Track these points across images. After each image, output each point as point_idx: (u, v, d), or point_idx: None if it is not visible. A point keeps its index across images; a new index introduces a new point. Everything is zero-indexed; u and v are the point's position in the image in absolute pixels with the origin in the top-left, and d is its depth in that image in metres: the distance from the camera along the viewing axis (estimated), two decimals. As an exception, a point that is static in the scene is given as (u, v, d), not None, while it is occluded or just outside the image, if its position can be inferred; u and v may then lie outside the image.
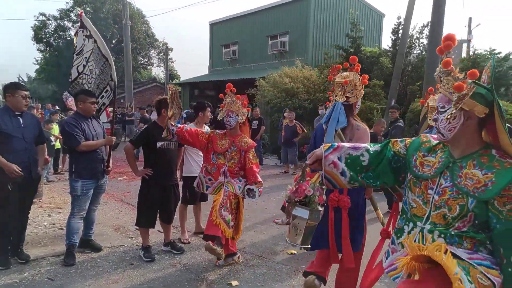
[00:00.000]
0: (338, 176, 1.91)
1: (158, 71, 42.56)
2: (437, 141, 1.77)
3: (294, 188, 1.89)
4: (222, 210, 3.69)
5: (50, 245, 4.54)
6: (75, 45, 4.74)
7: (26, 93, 3.95)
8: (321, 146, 1.99)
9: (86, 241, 4.37)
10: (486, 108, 1.52)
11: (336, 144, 1.96)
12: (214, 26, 23.29)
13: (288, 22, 18.41)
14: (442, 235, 1.60)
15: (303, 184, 1.88)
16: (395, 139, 1.95)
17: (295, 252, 4.49)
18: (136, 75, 32.24)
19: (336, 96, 3.13)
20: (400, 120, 8.05)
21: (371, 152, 1.91)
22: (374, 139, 6.43)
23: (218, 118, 3.95)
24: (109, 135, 4.32)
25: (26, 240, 4.59)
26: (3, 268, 3.80)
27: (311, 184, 1.87)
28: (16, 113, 3.89)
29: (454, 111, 1.55)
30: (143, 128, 4.27)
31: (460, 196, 1.56)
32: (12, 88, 3.93)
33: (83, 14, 4.79)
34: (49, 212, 5.87)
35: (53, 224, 5.22)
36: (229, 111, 3.88)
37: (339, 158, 1.91)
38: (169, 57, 31.65)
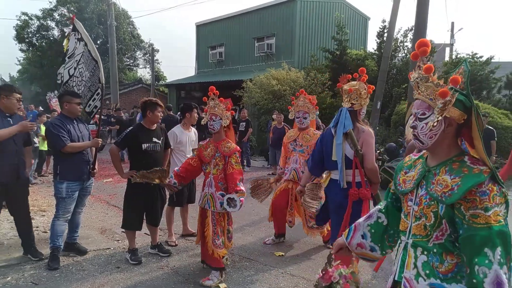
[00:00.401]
0: (369, 253, 1.91)
1: (144, 72, 42.26)
2: (417, 157, 1.77)
3: (321, 274, 1.90)
4: (216, 240, 3.68)
5: (34, 248, 4.45)
6: (66, 48, 4.69)
7: (20, 96, 3.97)
8: (342, 235, 2.01)
9: (71, 244, 4.30)
10: (464, 114, 1.53)
11: (352, 226, 1.97)
12: (201, 28, 23.23)
13: (275, 24, 18.48)
14: (425, 252, 1.58)
15: (329, 271, 1.88)
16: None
17: (283, 254, 4.50)
18: (122, 76, 31.91)
19: (342, 102, 3.55)
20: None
21: (383, 209, 1.91)
22: None
23: (202, 122, 3.85)
24: (95, 137, 4.26)
25: (9, 244, 4.51)
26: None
27: (337, 271, 1.87)
28: (7, 115, 3.87)
29: (440, 118, 1.52)
30: (128, 130, 4.21)
31: (432, 203, 1.55)
32: (7, 90, 3.93)
33: (75, 17, 4.74)
34: (32, 215, 5.73)
35: (37, 227, 5.12)
36: (212, 114, 3.75)
37: (363, 236, 1.90)
38: (155, 58, 31.42)
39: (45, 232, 4.94)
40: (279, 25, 18.29)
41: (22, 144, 4.00)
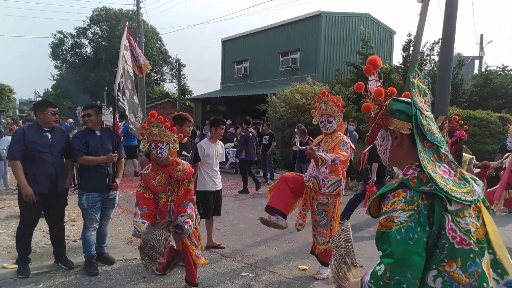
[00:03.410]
0: None
1: (170, 87, 43.17)
2: None
3: None
4: (198, 252, 3.74)
5: (65, 257, 4.60)
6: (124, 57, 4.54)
7: (55, 109, 4.13)
8: None
9: (99, 255, 4.42)
10: (409, 123, 1.46)
11: None
12: (226, 43, 23.65)
13: (299, 39, 18.62)
14: None
15: None
16: None
17: (306, 268, 4.48)
18: (149, 90, 32.72)
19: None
20: None
21: None
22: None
23: (141, 148, 3.56)
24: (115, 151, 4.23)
25: (41, 252, 4.69)
26: (22, 277, 3.92)
27: None
28: (45, 129, 4.06)
29: (382, 131, 1.54)
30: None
31: None
32: (41, 105, 4.15)
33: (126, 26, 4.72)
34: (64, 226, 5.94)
35: (67, 236, 5.28)
36: (158, 142, 3.42)
37: None
38: (181, 73, 32.11)
39: (75, 241, 5.11)
40: (304, 40, 18.41)
41: (60, 157, 4.15)
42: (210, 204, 4.89)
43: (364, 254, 5.00)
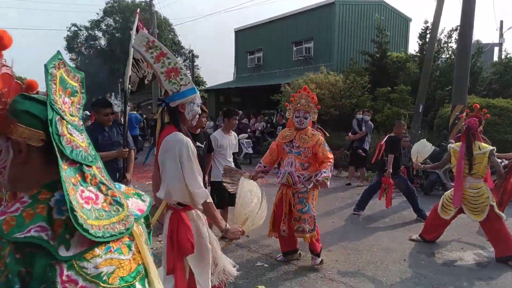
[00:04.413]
0: None
1: (184, 78, 43.28)
2: None
3: None
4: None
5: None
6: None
7: (109, 110, 4.18)
8: None
9: None
10: (41, 132, 1.00)
11: None
12: (239, 33, 23.55)
13: (313, 28, 18.42)
14: None
15: None
16: None
17: (322, 258, 4.47)
18: (163, 82, 32.78)
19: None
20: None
21: None
22: (396, 143, 6.33)
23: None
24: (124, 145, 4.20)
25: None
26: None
27: None
28: (105, 128, 4.14)
29: None
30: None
31: None
32: (97, 106, 4.23)
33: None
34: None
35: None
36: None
37: None
38: (195, 63, 32.16)
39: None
40: (318, 29, 18.20)
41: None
42: (224, 195, 4.91)
43: (380, 245, 4.98)
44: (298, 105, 4.18)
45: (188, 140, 2.27)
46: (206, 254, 2.52)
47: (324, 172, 3.89)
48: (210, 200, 2.37)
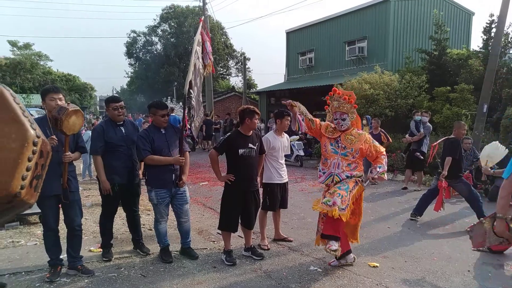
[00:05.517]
0: None
1: (236, 81, 44.04)
2: None
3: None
4: None
5: (141, 244, 4.90)
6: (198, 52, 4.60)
7: (117, 104, 4.29)
8: None
9: (183, 249, 4.55)
10: None
11: None
12: (291, 34, 23.50)
13: (367, 27, 17.95)
14: None
15: None
16: None
17: (377, 265, 4.32)
18: (215, 84, 33.59)
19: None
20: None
21: None
22: (455, 145, 5.96)
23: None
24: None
25: (121, 238, 5.04)
26: (106, 260, 4.28)
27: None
28: (118, 123, 4.31)
29: None
30: (226, 136, 4.44)
31: None
32: (106, 102, 4.42)
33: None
34: (139, 213, 6.33)
35: (143, 224, 5.62)
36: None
37: None
38: (246, 66, 32.52)
39: (151, 230, 5.41)
40: (371, 28, 17.70)
41: (134, 148, 4.34)
42: (276, 196, 4.91)
43: (440, 253, 4.72)
44: (333, 108, 4.16)
45: None
46: None
47: (379, 167, 3.97)
48: None
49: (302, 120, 4.29)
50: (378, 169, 3.94)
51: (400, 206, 7.09)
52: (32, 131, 0.74)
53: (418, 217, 6.15)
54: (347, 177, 3.99)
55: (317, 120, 4.35)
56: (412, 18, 17.53)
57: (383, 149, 4.10)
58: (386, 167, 4.01)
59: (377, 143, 4.15)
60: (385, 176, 4.04)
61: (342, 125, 4.07)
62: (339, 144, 4.06)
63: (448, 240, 5.25)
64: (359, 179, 4.03)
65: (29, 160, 0.74)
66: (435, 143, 6.10)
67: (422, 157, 8.55)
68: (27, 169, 0.73)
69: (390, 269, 4.22)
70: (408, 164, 9.02)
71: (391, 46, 17.01)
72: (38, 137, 0.76)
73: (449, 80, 13.35)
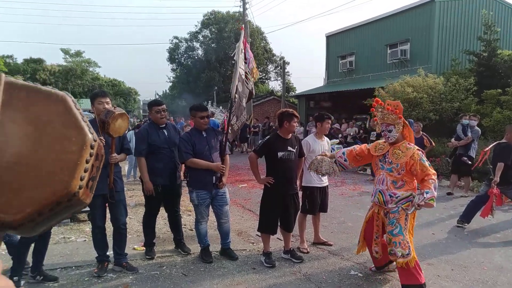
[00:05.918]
0: None
1: (275, 85, 44.14)
2: None
3: None
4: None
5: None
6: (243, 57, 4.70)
7: (160, 107, 4.44)
8: None
9: (223, 250, 4.62)
10: None
11: None
12: (331, 38, 23.28)
13: (410, 29, 17.46)
14: None
15: None
16: None
17: (421, 272, 4.17)
18: (255, 88, 33.82)
19: None
20: None
21: None
22: (508, 150, 5.65)
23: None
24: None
25: (163, 238, 5.18)
26: (149, 258, 4.43)
27: None
28: (161, 126, 4.45)
29: None
30: (265, 139, 4.47)
31: None
32: (149, 105, 4.59)
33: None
34: (180, 214, 6.49)
35: (184, 225, 5.76)
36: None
37: None
38: (285, 70, 32.52)
39: (191, 230, 5.53)
40: (415, 30, 17.19)
41: (177, 151, 4.46)
42: (316, 200, 4.87)
43: (491, 262, 4.49)
44: (379, 119, 3.88)
45: None
46: None
47: (427, 193, 3.48)
48: None
49: (345, 161, 4.19)
50: (425, 195, 3.48)
51: (445, 212, 6.81)
52: (90, 135, 0.81)
53: (466, 224, 5.88)
54: (390, 197, 3.69)
55: (361, 147, 4.22)
56: (458, 19, 16.86)
57: (432, 171, 3.63)
58: (435, 193, 3.51)
59: (427, 163, 3.68)
60: (434, 203, 3.50)
61: (389, 137, 3.78)
62: (386, 159, 3.83)
63: (499, 249, 4.98)
64: (404, 206, 3.67)
65: (87, 162, 0.80)
66: (486, 149, 5.81)
67: (470, 162, 8.17)
68: (85, 170, 0.80)
69: (436, 277, 4.07)
70: (454, 169, 8.65)
71: (435, 48, 16.43)
72: (95, 140, 0.82)
73: (499, 83, 12.70)
